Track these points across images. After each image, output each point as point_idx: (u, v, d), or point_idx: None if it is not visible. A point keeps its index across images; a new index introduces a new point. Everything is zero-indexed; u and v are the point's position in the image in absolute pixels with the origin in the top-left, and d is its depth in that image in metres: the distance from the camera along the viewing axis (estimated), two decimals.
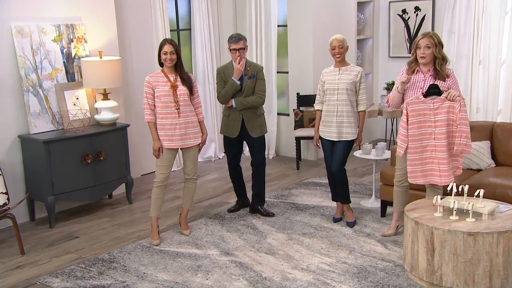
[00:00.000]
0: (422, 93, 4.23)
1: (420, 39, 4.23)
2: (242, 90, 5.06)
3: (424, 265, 3.72)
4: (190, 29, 7.36)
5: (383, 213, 5.15)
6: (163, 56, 4.64)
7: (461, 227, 3.61)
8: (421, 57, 4.22)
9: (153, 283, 4.01)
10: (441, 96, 4.15)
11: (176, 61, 4.66)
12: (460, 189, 3.94)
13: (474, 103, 7.04)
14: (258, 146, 5.25)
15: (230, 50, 5.02)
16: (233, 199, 5.77)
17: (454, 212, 3.75)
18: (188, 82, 4.72)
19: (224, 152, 5.48)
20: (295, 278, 4.02)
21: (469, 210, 3.73)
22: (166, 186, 4.86)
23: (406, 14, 7.76)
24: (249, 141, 5.24)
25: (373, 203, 5.48)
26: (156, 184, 4.79)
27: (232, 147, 5.32)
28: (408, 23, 7.75)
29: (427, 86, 4.22)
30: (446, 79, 4.24)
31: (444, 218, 3.77)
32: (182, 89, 4.68)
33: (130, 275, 4.17)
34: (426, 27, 7.55)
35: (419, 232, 3.72)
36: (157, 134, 4.70)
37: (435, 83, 4.23)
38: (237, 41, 4.98)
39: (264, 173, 5.35)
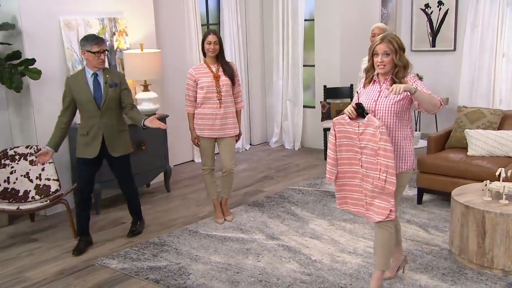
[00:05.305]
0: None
1: (378, 44, 3.37)
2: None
3: (474, 248, 3.86)
4: (219, 23, 7.51)
5: (419, 200, 5.30)
6: (206, 46, 4.77)
7: None
8: (378, 65, 3.37)
9: (207, 265, 4.17)
10: (364, 119, 3.35)
11: (218, 52, 4.81)
12: (509, 174, 4.10)
13: (497, 95, 7.23)
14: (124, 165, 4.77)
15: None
16: (267, 188, 5.97)
17: (504, 196, 3.91)
18: (230, 72, 4.85)
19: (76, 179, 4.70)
20: (344, 261, 4.17)
21: None
22: (214, 169, 5.05)
23: (429, 8, 7.91)
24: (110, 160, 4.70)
25: (407, 191, 5.63)
26: (205, 172, 5.01)
27: (85, 169, 4.55)
28: (431, 17, 7.90)
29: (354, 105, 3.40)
30: None
31: (493, 202, 3.92)
32: (224, 79, 4.82)
33: (183, 257, 4.33)
34: (449, 21, 7.71)
35: (469, 216, 3.86)
36: (193, 125, 4.89)
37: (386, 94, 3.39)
38: None
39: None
